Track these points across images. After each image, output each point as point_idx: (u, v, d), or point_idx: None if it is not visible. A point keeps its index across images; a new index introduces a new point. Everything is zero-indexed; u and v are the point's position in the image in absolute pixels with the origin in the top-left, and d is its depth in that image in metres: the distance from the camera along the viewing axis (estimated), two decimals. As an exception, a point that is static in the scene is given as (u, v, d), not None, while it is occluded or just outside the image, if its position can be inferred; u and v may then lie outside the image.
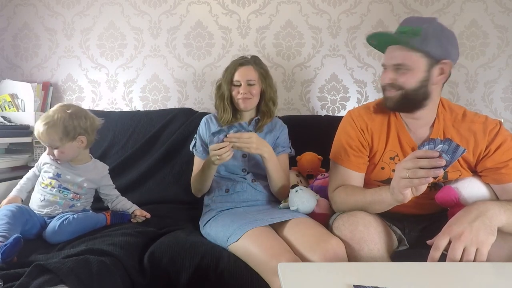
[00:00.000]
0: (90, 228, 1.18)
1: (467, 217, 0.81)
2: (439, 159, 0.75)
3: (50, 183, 1.20)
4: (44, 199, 1.19)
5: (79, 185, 1.23)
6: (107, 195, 1.33)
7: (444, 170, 0.75)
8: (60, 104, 1.23)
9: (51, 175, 1.21)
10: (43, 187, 1.21)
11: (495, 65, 1.88)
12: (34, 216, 1.16)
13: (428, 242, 0.82)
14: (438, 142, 0.77)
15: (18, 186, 1.26)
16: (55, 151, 1.18)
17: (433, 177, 0.76)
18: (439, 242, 0.79)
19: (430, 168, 0.76)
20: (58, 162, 1.22)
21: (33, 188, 1.26)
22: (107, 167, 1.35)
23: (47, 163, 1.24)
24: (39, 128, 1.16)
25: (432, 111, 1.04)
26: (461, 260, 0.76)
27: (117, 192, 1.35)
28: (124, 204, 1.33)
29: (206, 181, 1.26)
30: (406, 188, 0.81)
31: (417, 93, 0.98)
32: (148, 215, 1.31)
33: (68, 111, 1.18)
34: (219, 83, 1.36)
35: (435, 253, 0.79)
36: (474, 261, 0.75)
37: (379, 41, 1.04)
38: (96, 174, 1.28)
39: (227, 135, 1.10)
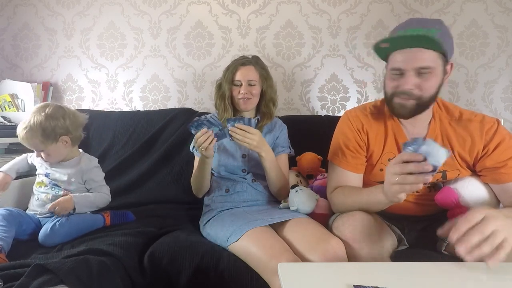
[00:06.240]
0: (86, 229, 1.16)
1: (501, 212, 0.72)
2: (425, 163, 0.72)
3: (42, 181, 1.22)
4: (38, 199, 1.20)
5: (68, 182, 1.22)
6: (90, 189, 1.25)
7: (432, 175, 0.73)
8: (38, 105, 1.20)
9: (41, 173, 1.23)
10: (37, 188, 1.22)
11: (495, 65, 1.88)
12: (27, 216, 1.16)
13: (439, 231, 0.73)
14: (421, 143, 0.74)
15: (7, 165, 1.24)
16: (42, 154, 1.18)
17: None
18: (474, 214, 0.67)
19: (419, 173, 0.73)
20: (48, 163, 1.22)
21: (24, 171, 1.27)
22: (95, 160, 1.30)
23: (38, 162, 1.25)
24: (19, 133, 1.15)
25: (429, 111, 1.04)
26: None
27: (103, 192, 1.26)
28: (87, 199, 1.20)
29: (204, 179, 1.25)
30: (399, 193, 0.79)
31: (432, 98, 0.96)
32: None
33: (43, 113, 1.15)
34: (219, 83, 1.36)
35: (465, 225, 0.66)
36: (496, 249, 0.65)
37: (396, 44, 0.93)
38: (80, 167, 1.23)
39: (235, 125, 1.09)
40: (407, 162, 0.75)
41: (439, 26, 0.93)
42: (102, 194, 1.25)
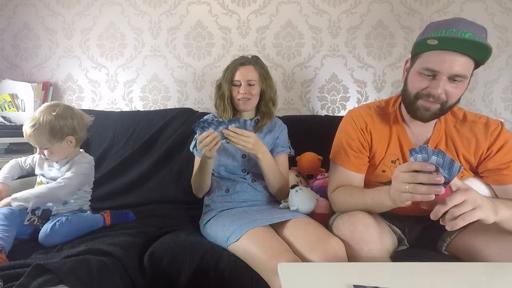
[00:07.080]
0: (86, 229, 1.16)
1: (489, 198, 0.77)
2: (437, 175, 0.69)
3: (41, 181, 1.22)
4: None
5: None
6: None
7: (444, 187, 0.70)
8: (46, 104, 1.21)
9: (39, 174, 1.24)
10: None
11: (495, 65, 1.88)
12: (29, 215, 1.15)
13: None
14: (431, 152, 0.71)
15: (1, 174, 1.23)
16: (45, 151, 1.19)
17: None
18: (454, 197, 0.71)
19: (430, 184, 0.71)
20: (49, 161, 1.23)
21: (19, 176, 1.28)
22: (90, 158, 1.29)
23: (36, 162, 1.26)
24: (26, 130, 1.15)
25: None
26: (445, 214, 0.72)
27: (62, 181, 1.17)
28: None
29: (205, 178, 1.25)
30: (408, 200, 0.78)
31: (454, 105, 0.95)
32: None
33: (54, 113, 1.15)
34: (219, 83, 1.36)
35: (442, 208, 0.72)
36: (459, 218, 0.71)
37: (445, 44, 0.86)
38: (73, 161, 1.23)
39: (229, 128, 1.09)
40: (416, 171, 0.73)
41: (485, 35, 0.86)
42: (57, 184, 1.16)
